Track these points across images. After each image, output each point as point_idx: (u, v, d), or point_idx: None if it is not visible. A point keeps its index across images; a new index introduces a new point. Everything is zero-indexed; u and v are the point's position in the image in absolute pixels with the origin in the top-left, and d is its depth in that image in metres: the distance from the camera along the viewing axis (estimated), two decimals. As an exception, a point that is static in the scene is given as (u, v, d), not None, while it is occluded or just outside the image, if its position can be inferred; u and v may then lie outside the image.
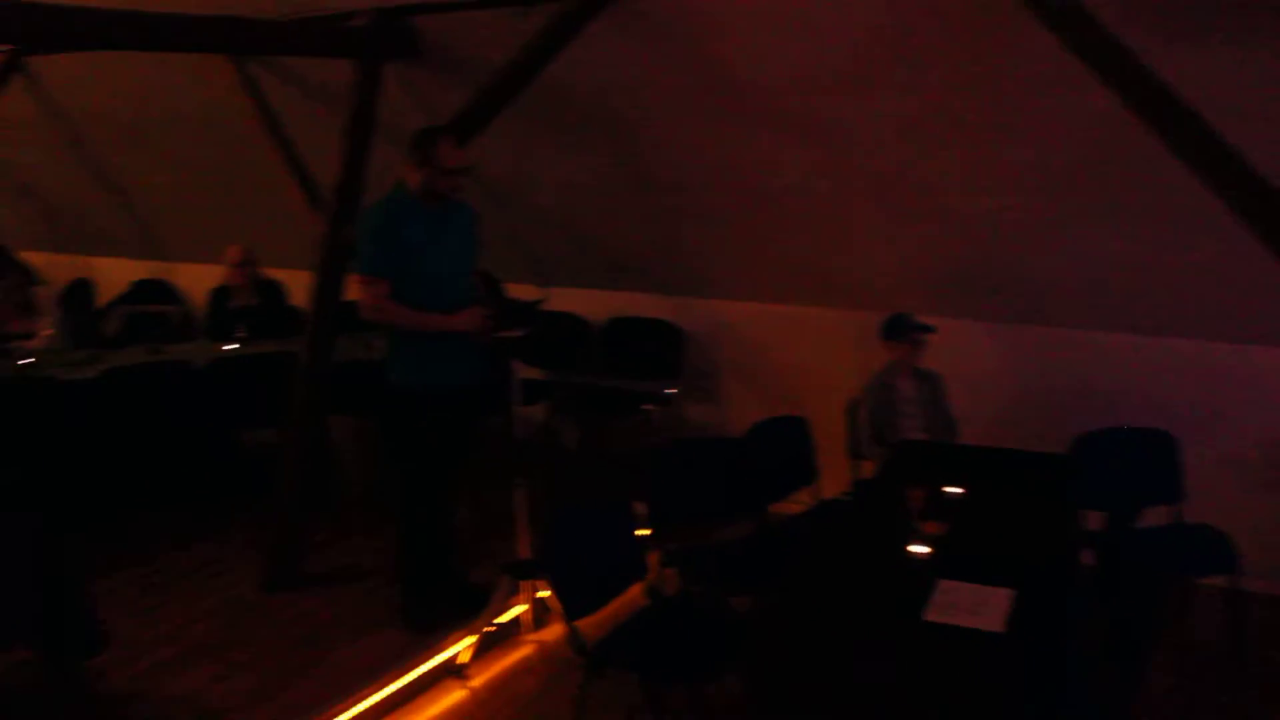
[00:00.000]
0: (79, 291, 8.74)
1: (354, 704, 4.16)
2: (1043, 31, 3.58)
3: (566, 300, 6.37)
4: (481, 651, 4.57)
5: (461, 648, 4.53)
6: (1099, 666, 3.16)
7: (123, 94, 6.84)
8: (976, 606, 3.10)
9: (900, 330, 5.02)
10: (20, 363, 6.15)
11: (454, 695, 4.36)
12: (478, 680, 4.45)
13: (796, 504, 4.89)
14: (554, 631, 4.75)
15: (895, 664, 2.92)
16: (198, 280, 8.05)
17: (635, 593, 4.03)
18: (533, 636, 4.76)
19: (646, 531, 4.24)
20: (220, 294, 6.69)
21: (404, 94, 5.48)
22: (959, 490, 3.93)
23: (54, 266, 8.97)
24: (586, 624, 3.75)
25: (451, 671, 4.47)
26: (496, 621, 4.69)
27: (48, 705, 4.35)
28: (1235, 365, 5.03)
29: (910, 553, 3.49)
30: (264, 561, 5.32)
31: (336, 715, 4.09)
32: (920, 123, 4.76)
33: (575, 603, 3.75)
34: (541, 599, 4.79)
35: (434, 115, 4.92)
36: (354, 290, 4.61)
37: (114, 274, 8.87)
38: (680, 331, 6.50)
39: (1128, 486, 4.68)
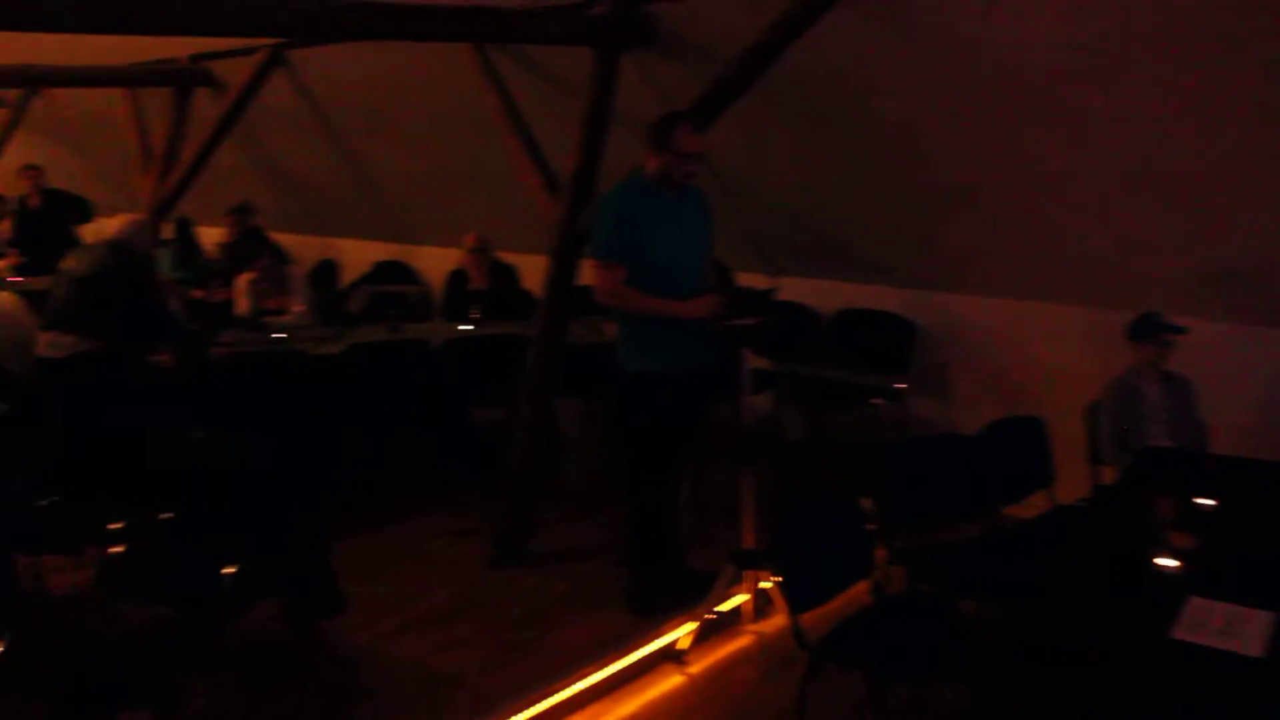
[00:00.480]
0: (325, 271, 9.20)
1: (573, 683, 4.20)
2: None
3: (795, 290, 6.30)
4: (701, 639, 4.56)
5: (682, 634, 4.53)
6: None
7: (372, 84, 7.16)
8: (1231, 627, 2.89)
9: (1148, 331, 4.74)
10: (274, 336, 6.52)
11: (672, 680, 4.37)
12: (696, 667, 4.44)
13: (1030, 507, 4.69)
14: (775, 623, 4.69)
15: (1139, 680, 2.76)
16: (436, 262, 8.37)
17: (861, 590, 3.95)
18: (753, 627, 4.73)
19: (874, 527, 4.15)
20: (457, 277, 6.92)
21: (641, 82, 5.52)
22: (1210, 502, 3.68)
23: (303, 247, 9.49)
24: (809, 619, 3.69)
25: (671, 657, 4.48)
26: (718, 609, 4.67)
27: (288, 659, 4.57)
28: None
29: (1157, 566, 3.29)
30: (492, 538, 5.46)
31: (556, 693, 4.14)
32: (1186, 112, 4.49)
33: (800, 596, 3.69)
34: (764, 590, 4.75)
35: (670, 104, 4.94)
36: (589, 275, 4.68)
37: (357, 255, 9.31)
38: (911, 325, 6.33)
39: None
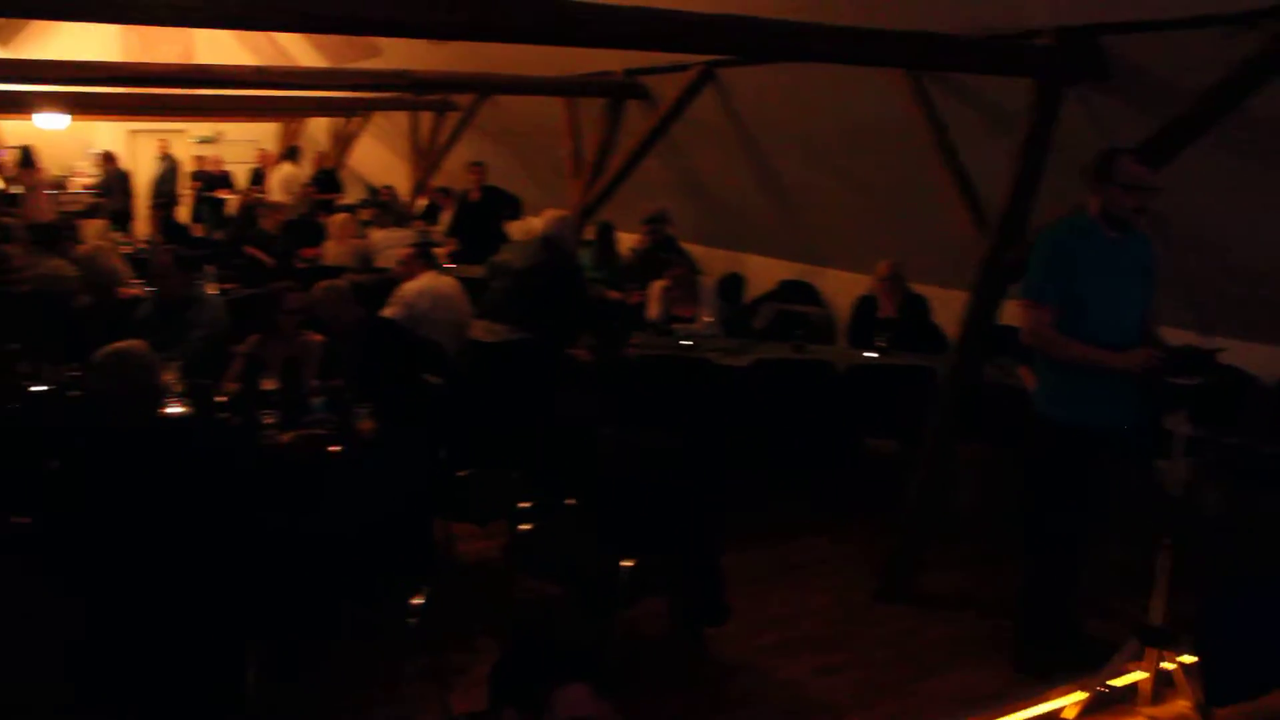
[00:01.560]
0: (731, 285, 9.41)
1: (949, 732, 4.07)
2: None
3: (1232, 354, 5.79)
4: (1088, 711, 4.27)
5: (1068, 702, 4.28)
6: None
7: (799, 104, 7.25)
8: None
9: None
10: (682, 343, 6.75)
11: (1050, 750, 4.14)
12: (1079, 739, 4.18)
13: None
14: (1174, 709, 4.31)
15: None
16: (841, 286, 8.37)
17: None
18: (1148, 709, 4.36)
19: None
20: (866, 303, 6.88)
21: (1083, 118, 5.25)
22: None
23: (711, 259, 9.77)
24: (1223, 715, 3.38)
25: (1052, 725, 4.25)
26: (1111, 683, 4.37)
27: (667, 658, 4.68)
28: None
29: None
30: (877, 569, 5.39)
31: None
32: None
33: (1223, 687, 3.39)
34: (1167, 671, 4.40)
35: (1114, 142, 4.66)
36: (1010, 314, 4.51)
37: (763, 271, 9.47)
38: (1366, 402, 5.66)
39: None
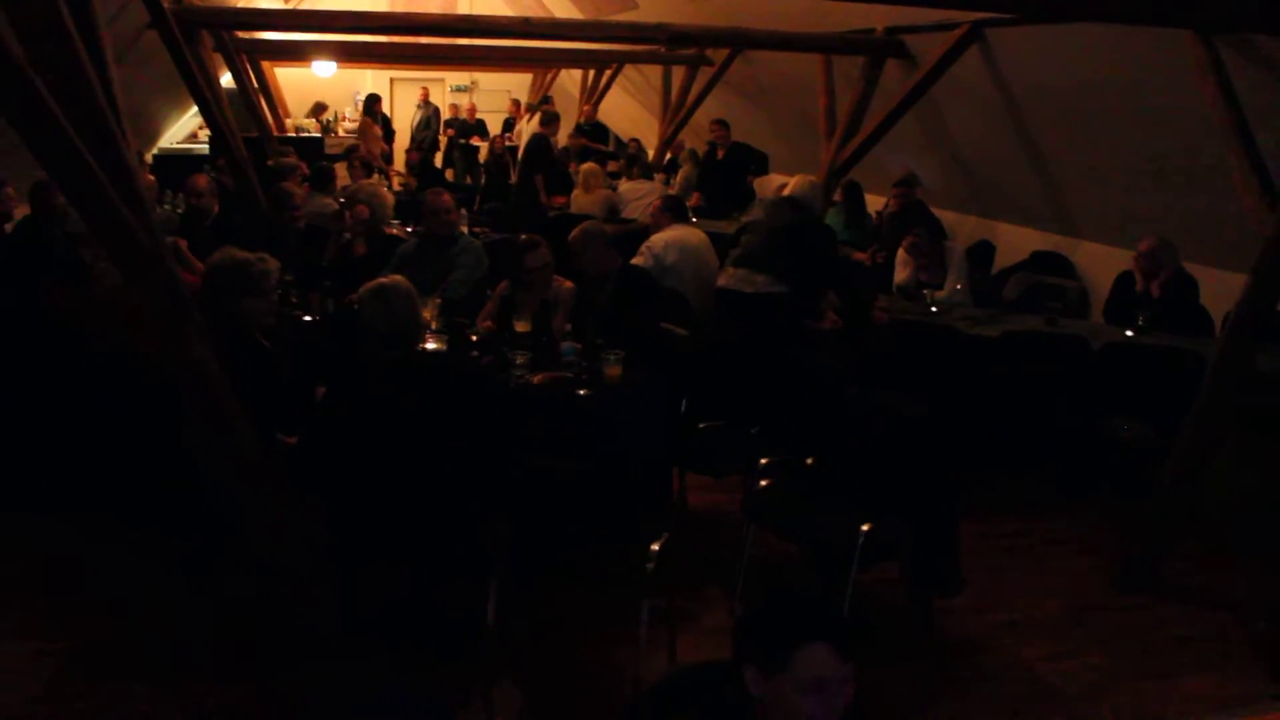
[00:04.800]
0: (981, 253, 9.13)
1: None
2: None
3: None
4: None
5: (1324, 717, 4.01)
6: None
7: (1071, 68, 6.91)
8: None
9: None
10: (930, 309, 6.61)
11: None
12: (1330, 760, 3.92)
13: None
14: None
15: None
16: (1099, 260, 7.99)
17: None
18: None
19: None
20: (1127, 279, 6.56)
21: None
22: None
23: (960, 225, 9.50)
24: None
25: (1307, 733, 3.99)
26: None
27: (896, 627, 4.61)
28: None
29: None
30: (1118, 556, 5.18)
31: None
32: None
33: None
34: None
35: None
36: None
37: (1014, 241, 9.13)
38: None
39: None
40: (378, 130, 13.95)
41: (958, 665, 4.39)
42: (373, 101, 14.15)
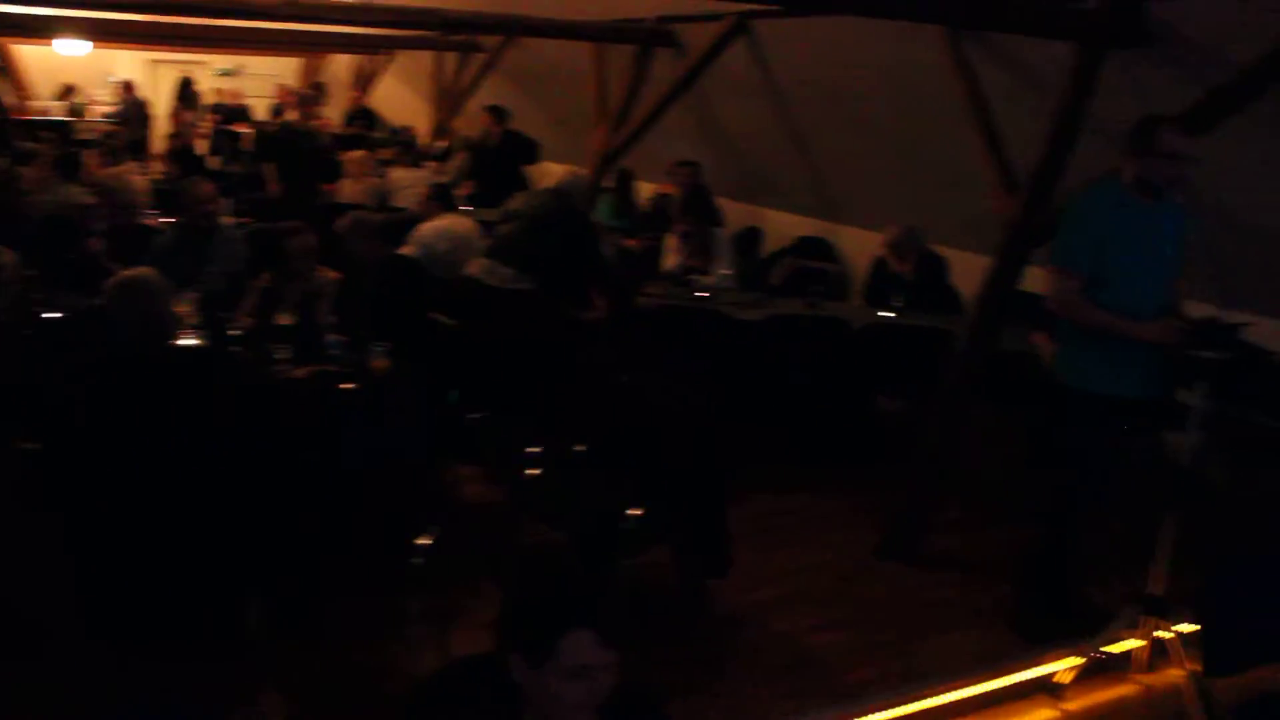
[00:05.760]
0: (749, 238, 9.36)
1: (940, 694, 4.09)
2: None
3: (1255, 330, 5.77)
4: (1083, 677, 4.30)
5: (1063, 667, 4.29)
6: None
7: (831, 59, 7.16)
8: None
9: None
10: (697, 295, 6.73)
11: (1044, 713, 4.17)
12: (1073, 704, 4.21)
13: None
14: (1166, 678, 4.36)
15: None
16: (860, 244, 8.32)
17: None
18: (1142, 677, 4.41)
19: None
20: (883, 262, 6.85)
21: (1122, 84, 5.19)
22: None
23: (730, 212, 9.70)
24: (1219, 686, 3.41)
25: (1047, 689, 4.27)
26: (1107, 650, 4.38)
27: (668, 609, 4.67)
28: None
29: None
30: (881, 527, 5.39)
31: (921, 700, 4.05)
32: None
33: (1220, 659, 3.40)
34: (1162, 640, 4.42)
35: (1153, 109, 4.61)
36: (1041, 280, 4.48)
37: (781, 226, 9.41)
38: (1383, 387, 5.63)
39: None
40: (188, 116, 13.26)
41: (727, 642, 4.49)
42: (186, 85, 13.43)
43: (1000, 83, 5.69)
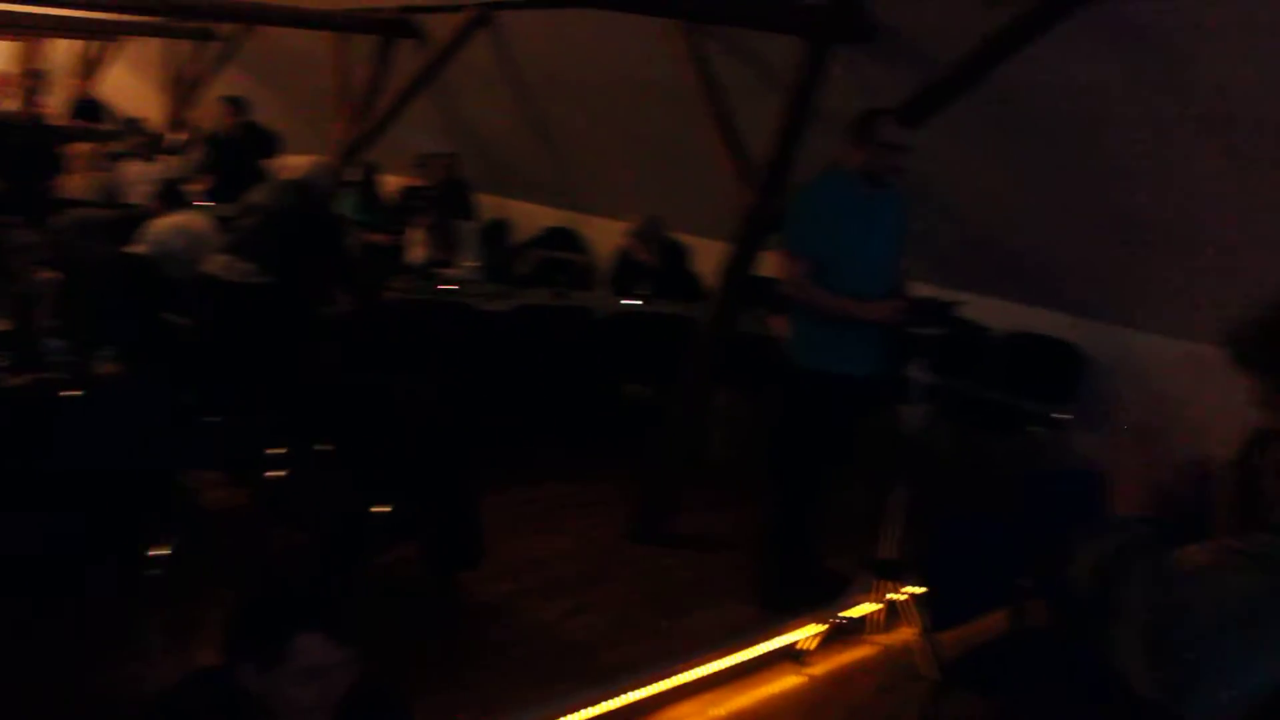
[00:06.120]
0: (497, 231, 9.32)
1: (693, 668, 4.18)
2: None
3: (968, 307, 6.18)
4: (825, 642, 4.51)
5: (806, 635, 4.48)
6: None
7: (572, 51, 7.21)
8: None
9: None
10: (441, 287, 6.65)
11: (790, 680, 4.34)
12: (817, 669, 4.40)
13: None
14: (900, 637, 4.63)
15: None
16: (606, 234, 8.41)
17: (1000, 618, 3.84)
18: (879, 638, 4.66)
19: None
20: (627, 251, 6.95)
21: (848, 77, 5.44)
22: None
23: (477, 204, 9.64)
24: (943, 639, 3.61)
25: (792, 656, 4.44)
26: (845, 615, 4.62)
27: (422, 604, 4.61)
28: None
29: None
30: (631, 511, 5.47)
31: (675, 675, 4.13)
32: None
33: (941, 614, 3.62)
34: (895, 602, 4.68)
35: (875, 102, 4.85)
36: (774, 266, 4.64)
37: (528, 218, 9.41)
38: (1082, 355, 6.14)
39: None
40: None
41: (479, 635, 4.46)
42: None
43: (736, 75, 5.86)
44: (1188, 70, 4.61)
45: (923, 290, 4.84)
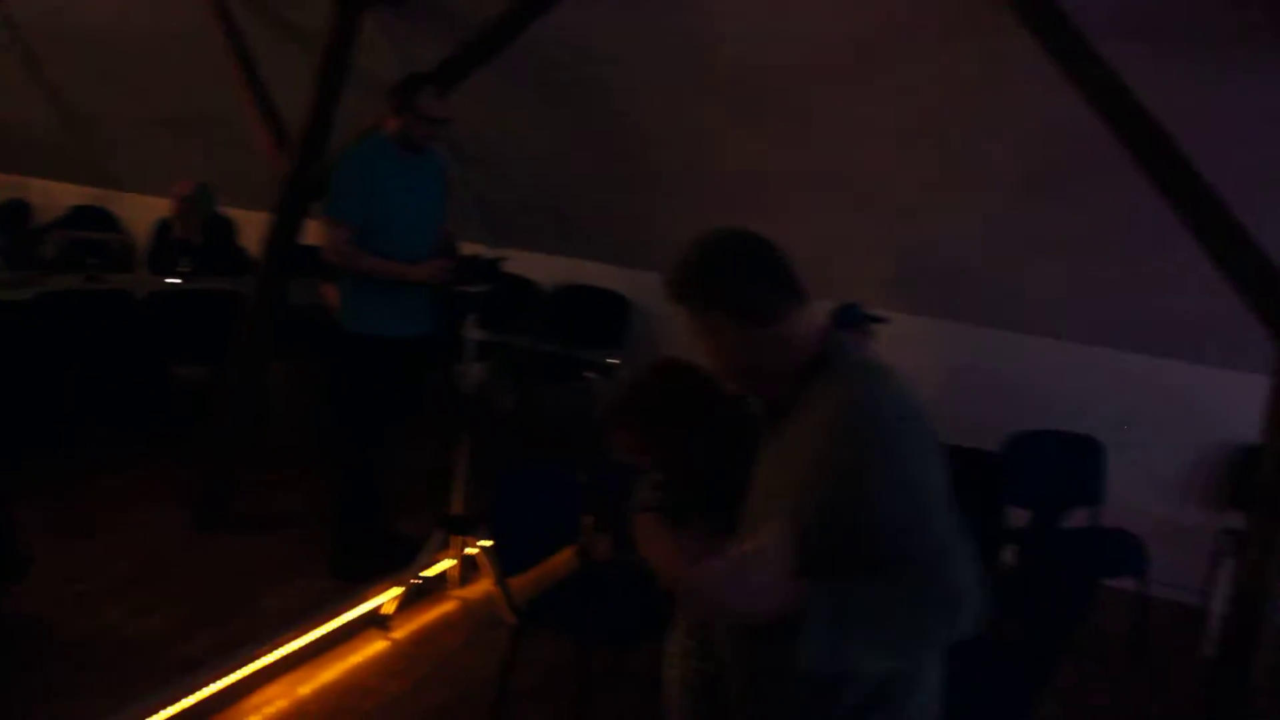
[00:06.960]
0: (14, 212, 8.52)
1: (274, 649, 4.13)
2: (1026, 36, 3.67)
3: (519, 263, 6.38)
4: (406, 604, 4.59)
5: (386, 599, 4.54)
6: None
7: (88, 16, 6.68)
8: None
9: (851, 319, 4.99)
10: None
11: (376, 646, 4.38)
12: (401, 632, 4.47)
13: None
14: (479, 589, 4.79)
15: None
16: (141, 211, 7.92)
17: (567, 556, 4.06)
18: (458, 592, 4.80)
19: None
20: (165, 227, 6.59)
21: (381, 40, 5.43)
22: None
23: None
24: (517, 584, 3.79)
25: (375, 622, 4.49)
26: (423, 575, 4.71)
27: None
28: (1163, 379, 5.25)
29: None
30: (192, 500, 5.26)
31: (255, 659, 4.06)
32: (890, 118, 4.86)
33: (510, 561, 3.79)
34: (470, 555, 4.82)
35: (410, 64, 4.90)
36: (316, 233, 4.58)
37: (51, 197, 8.64)
38: (627, 302, 6.53)
39: (1053, 487, 4.87)
40: None
41: (43, 645, 4.17)
42: None
43: (267, 41, 5.69)
44: (683, 31, 4.99)
45: (473, 249, 4.94)
